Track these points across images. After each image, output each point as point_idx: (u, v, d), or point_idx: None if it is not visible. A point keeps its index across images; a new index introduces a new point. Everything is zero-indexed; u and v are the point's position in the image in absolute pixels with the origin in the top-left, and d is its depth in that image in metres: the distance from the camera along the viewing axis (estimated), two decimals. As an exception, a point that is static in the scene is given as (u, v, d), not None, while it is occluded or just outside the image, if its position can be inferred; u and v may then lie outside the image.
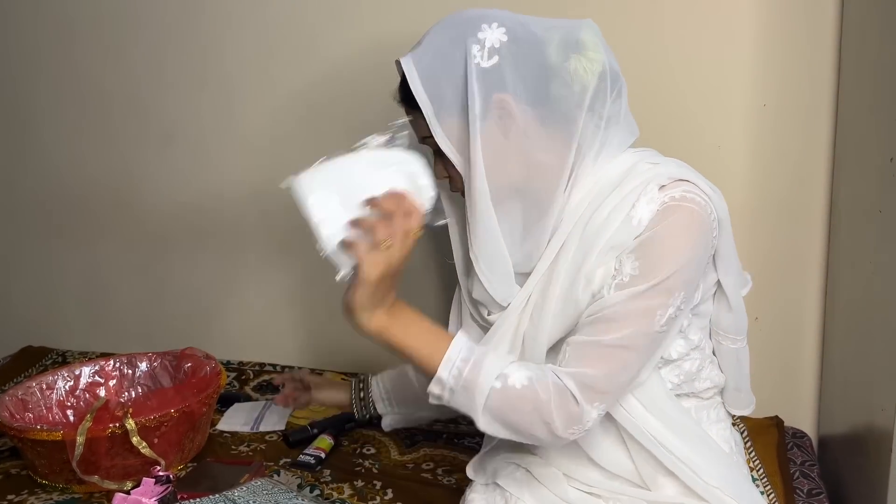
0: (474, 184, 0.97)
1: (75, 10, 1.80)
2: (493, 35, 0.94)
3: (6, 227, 2.01)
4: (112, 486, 1.30)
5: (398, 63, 1.00)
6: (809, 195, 1.45)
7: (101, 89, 1.83)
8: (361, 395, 1.41)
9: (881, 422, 1.19)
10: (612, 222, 0.95)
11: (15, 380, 1.78)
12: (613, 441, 1.03)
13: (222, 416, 1.59)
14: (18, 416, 1.41)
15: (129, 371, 1.58)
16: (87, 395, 1.54)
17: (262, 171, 1.76)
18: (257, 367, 1.82)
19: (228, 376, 1.75)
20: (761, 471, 1.31)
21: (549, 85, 0.95)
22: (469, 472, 1.14)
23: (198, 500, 1.16)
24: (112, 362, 1.58)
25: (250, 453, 1.45)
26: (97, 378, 1.56)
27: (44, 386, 1.50)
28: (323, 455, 1.40)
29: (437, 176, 1.06)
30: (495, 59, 0.94)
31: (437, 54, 0.96)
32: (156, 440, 1.31)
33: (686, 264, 0.93)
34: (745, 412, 1.15)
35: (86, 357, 1.86)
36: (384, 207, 0.90)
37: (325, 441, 1.43)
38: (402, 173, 0.94)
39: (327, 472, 1.37)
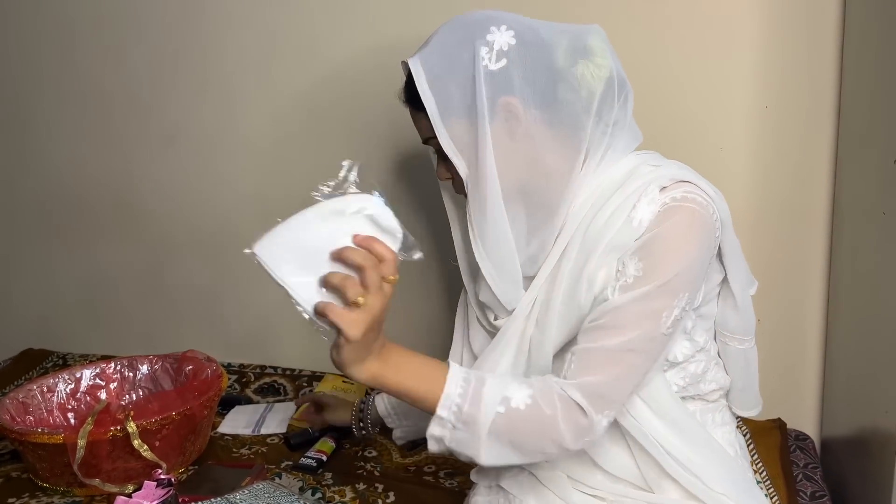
0: (483, 186, 0.97)
1: (76, 10, 1.80)
2: (502, 38, 0.94)
3: (6, 228, 2.01)
4: (113, 489, 1.30)
5: (404, 63, 0.99)
6: (811, 197, 1.45)
7: (101, 90, 1.83)
8: (360, 415, 1.42)
9: (885, 424, 1.19)
10: (613, 224, 0.95)
11: (15, 382, 1.77)
12: (618, 444, 1.03)
13: (223, 418, 1.59)
14: (19, 419, 1.41)
15: (130, 374, 1.58)
16: (88, 398, 1.54)
17: (263, 173, 1.76)
18: (258, 370, 1.82)
19: (230, 379, 1.75)
20: (764, 474, 1.31)
21: (557, 89, 0.95)
22: (473, 474, 1.14)
23: (199, 503, 1.16)
24: (113, 365, 1.58)
25: (252, 456, 1.45)
26: (98, 381, 1.56)
27: (45, 389, 1.50)
28: (324, 458, 1.39)
29: (440, 177, 1.06)
30: (503, 61, 0.94)
31: (445, 55, 0.96)
32: (157, 443, 1.31)
33: (690, 265, 0.93)
34: (752, 413, 1.14)
35: (86, 360, 1.86)
36: (352, 261, 0.84)
37: (326, 444, 1.43)
38: (363, 218, 0.86)
39: (329, 474, 1.36)
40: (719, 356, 1.10)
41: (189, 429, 1.36)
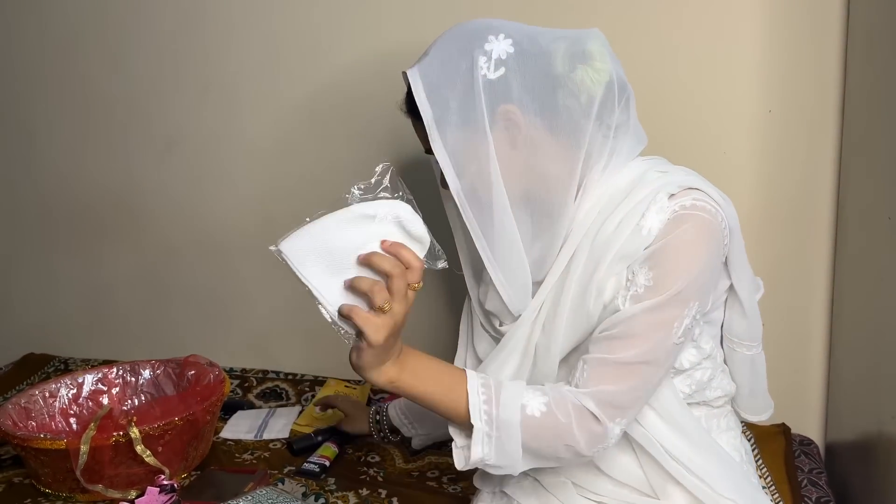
0: (489, 195, 0.96)
1: (78, 17, 1.80)
2: (500, 46, 0.94)
3: (9, 233, 2.01)
4: (116, 494, 1.29)
5: (405, 74, 0.99)
6: (816, 201, 1.44)
7: (104, 96, 1.83)
8: (378, 417, 1.43)
9: (889, 429, 1.19)
10: (622, 232, 0.94)
11: (17, 387, 1.77)
12: (623, 450, 1.03)
13: (226, 423, 1.58)
14: (21, 425, 1.41)
15: (133, 379, 1.58)
16: (91, 403, 1.53)
17: (265, 178, 1.76)
18: (261, 375, 1.82)
19: (232, 384, 1.75)
20: (769, 479, 1.30)
21: (556, 96, 0.95)
22: (476, 480, 1.13)
23: (202, 509, 1.16)
24: (115, 370, 1.58)
25: (254, 461, 1.45)
26: (100, 386, 1.56)
27: (47, 394, 1.50)
28: (327, 463, 1.39)
29: (443, 187, 1.05)
30: (502, 70, 0.94)
31: (443, 65, 0.96)
32: (160, 448, 1.31)
33: (700, 274, 0.93)
34: (763, 417, 1.15)
35: (88, 364, 1.85)
36: (380, 268, 0.85)
37: (329, 449, 1.43)
38: (392, 223, 0.86)
39: (332, 480, 1.36)
40: (725, 363, 1.10)
41: (192, 434, 1.36)
